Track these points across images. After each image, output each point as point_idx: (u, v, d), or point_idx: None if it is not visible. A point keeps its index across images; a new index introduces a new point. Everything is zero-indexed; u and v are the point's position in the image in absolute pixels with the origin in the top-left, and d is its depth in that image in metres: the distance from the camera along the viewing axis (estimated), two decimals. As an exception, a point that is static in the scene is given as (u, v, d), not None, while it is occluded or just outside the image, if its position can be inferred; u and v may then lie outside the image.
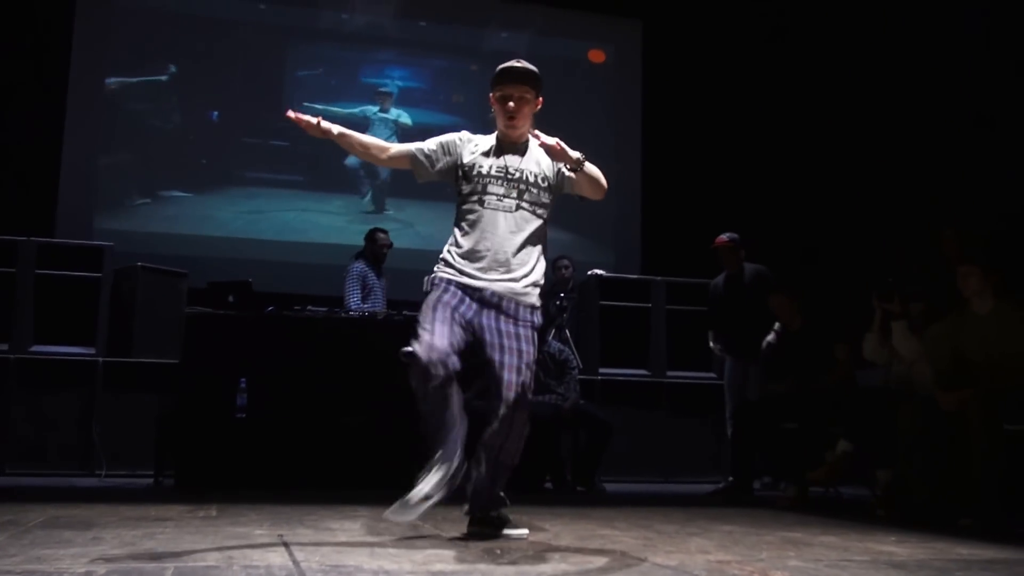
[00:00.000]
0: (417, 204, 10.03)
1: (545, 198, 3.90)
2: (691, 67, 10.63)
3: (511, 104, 3.89)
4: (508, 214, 3.81)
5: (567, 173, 3.82)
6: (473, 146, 3.95)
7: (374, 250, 8.05)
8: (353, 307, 7.57)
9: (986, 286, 5.40)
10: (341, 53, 10.57)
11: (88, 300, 7.21)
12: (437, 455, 3.51)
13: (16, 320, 6.99)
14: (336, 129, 3.84)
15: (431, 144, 3.98)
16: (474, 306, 3.74)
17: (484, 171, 3.86)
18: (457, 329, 3.64)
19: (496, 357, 3.72)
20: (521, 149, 3.95)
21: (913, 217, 8.19)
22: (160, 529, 3.76)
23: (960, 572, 3.17)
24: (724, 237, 7.48)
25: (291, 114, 3.79)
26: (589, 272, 8.39)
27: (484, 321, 3.73)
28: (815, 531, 4.31)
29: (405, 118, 10.36)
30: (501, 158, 3.90)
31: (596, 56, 11.20)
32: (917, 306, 5.92)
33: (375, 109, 10.32)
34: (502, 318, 3.75)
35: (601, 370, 7.87)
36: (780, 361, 6.63)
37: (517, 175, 3.86)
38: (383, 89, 10.44)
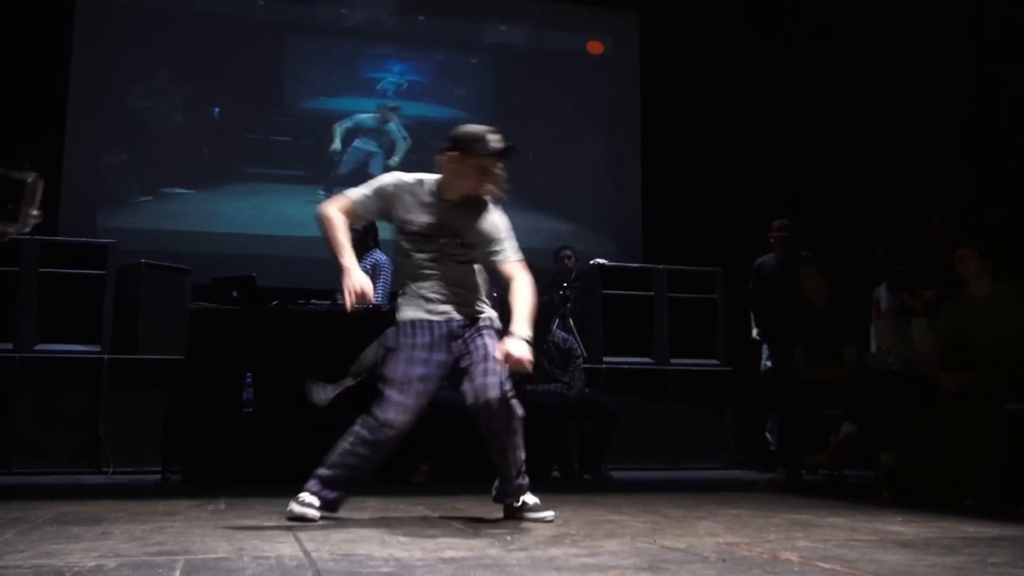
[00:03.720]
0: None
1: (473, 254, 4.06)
2: (689, 57, 10.61)
3: (487, 178, 3.98)
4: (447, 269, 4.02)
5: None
6: (410, 196, 4.02)
7: None
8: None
9: (983, 268, 5.40)
10: (341, 48, 10.57)
11: (92, 298, 7.18)
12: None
13: (21, 319, 6.97)
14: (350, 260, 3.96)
15: (367, 197, 4.05)
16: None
17: (426, 228, 4.01)
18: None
19: None
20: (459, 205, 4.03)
21: (912, 201, 8.17)
22: (169, 523, 3.75)
23: (967, 549, 3.17)
24: (779, 226, 7.40)
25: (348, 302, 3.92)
26: (591, 262, 8.38)
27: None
28: (822, 513, 4.31)
29: (403, 131, 10.37)
30: (445, 215, 4.00)
31: (594, 48, 11.20)
32: (929, 294, 5.91)
33: (372, 117, 10.32)
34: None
35: (605, 359, 7.85)
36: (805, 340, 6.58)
37: (454, 237, 4.01)
38: (388, 104, 10.43)
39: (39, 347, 6.99)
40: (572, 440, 7.13)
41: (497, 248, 3.96)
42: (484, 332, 3.99)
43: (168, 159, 9.79)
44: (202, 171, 9.89)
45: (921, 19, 8.57)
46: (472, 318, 4.01)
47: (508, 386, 3.91)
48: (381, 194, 4.03)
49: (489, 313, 4.07)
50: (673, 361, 8.08)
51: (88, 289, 7.19)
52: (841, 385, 6.04)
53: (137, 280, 7.36)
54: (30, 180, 2.05)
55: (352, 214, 4.02)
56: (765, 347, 7.82)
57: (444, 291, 3.99)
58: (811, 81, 10.00)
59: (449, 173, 3.98)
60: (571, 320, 7.70)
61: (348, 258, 3.92)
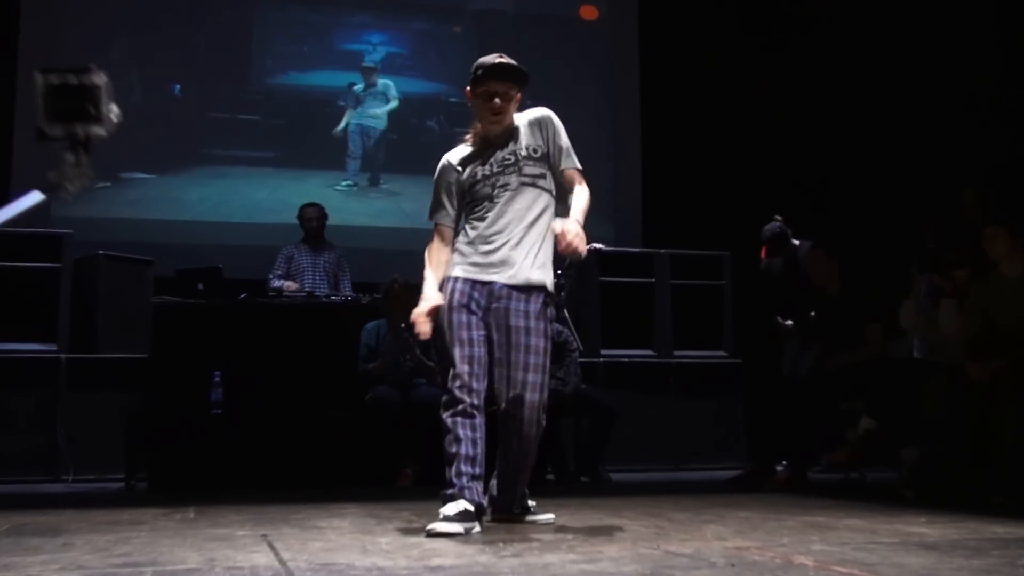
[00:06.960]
0: (403, 179, 10.05)
1: (542, 167, 4.10)
2: (691, 24, 10.58)
3: (496, 101, 4.05)
4: (515, 195, 4.01)
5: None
6: (459, 164, 4.11)
7: (302, 226, 8.29)
8: (274, 285, 7.86)
9: (1014, 247, 5.40)
10: (313, 17, 10.50)
11: (47, 293, 7.16)
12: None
13: (-30, 317, 6.96)
14: (435, 297, 3.96)
15: (440, 201, 4.13)
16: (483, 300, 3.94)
17: (481, 175, 4.04)
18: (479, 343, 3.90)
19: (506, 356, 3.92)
20: (504, 136, 4.12)
21: (935, 176, 8.18)
22: (135, 533, 3.76)
23: (997, 551, 3.18)
24: (768, 235, 7.37)
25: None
26: (587, 246, 8.35)
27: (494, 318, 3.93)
28: (839, 515, 4.33)
29: (393, 90, 10.34)
30: (491, 157, 4.07)
31: (588, 13, 11.14)
32: (962, 274, 5.90)
33: (362, 87, 10.29)
34: (512, 312, 3.93)
35: (603, 352, 7.86)
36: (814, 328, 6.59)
37: (511, 159, 4.05)
38: (366, 64, 10.39)
39: (-10, 347, 6.98)
40: (568, 440, 7.15)
41: (554, 157, 4.14)
42: (532, 315, 3.96)
43: (126, 142, 9.66)
44: (163, 154, 9.83)
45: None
46: (521, 284, 3.97)
47: (546, 393, 3.93)
48: (443, 183, 4.12)
49: (542, 279, 4.03)
50: (676, 353, 8.08)
51: (42, 283, 7.17)
52: (866, 369, 6.02)
53: (95, 273, 7.34)
54: (102, 82, 2.14)
55: (445, 234, 4.10)
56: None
57: (498, 233, 3.98)
58: (821, 50, 10.00)
59: (475, 112, 4.13)
60: (566, 311, 7.70)
61: (427, 288, 3.99)
